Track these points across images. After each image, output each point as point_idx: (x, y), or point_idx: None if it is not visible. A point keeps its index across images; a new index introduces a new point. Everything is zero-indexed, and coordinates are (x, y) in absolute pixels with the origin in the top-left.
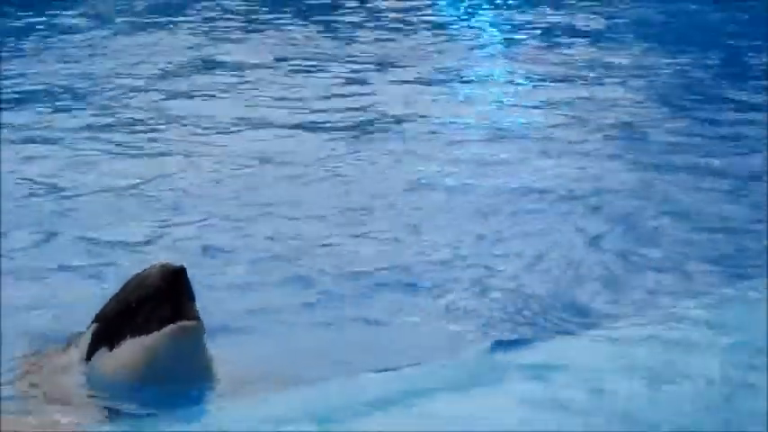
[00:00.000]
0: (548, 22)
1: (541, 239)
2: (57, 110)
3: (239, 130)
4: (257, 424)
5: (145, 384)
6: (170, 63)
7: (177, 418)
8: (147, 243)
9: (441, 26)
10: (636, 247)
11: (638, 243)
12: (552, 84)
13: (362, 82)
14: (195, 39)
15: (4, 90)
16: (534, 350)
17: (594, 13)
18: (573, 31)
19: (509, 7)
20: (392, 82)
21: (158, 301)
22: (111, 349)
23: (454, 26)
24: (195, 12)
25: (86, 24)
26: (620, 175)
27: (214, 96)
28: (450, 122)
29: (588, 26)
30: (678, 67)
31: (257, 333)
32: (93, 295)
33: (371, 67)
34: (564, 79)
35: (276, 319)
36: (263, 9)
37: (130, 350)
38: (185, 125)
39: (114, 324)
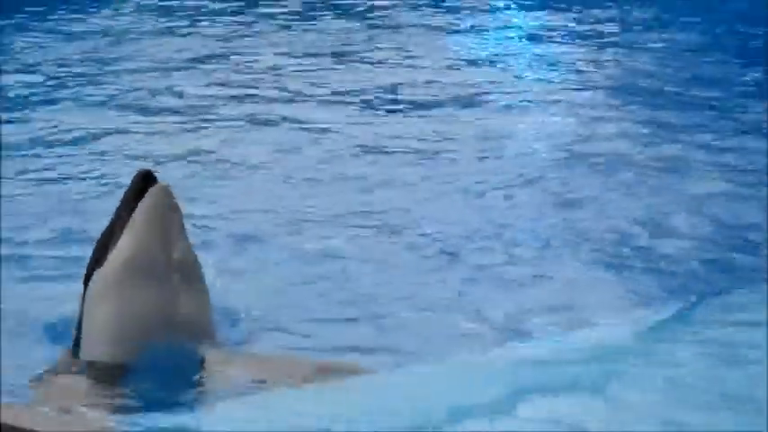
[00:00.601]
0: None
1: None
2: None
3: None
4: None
5: (141, 278)
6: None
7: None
8: None
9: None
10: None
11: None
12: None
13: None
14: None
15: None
16: None
17: None
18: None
19: None
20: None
21: (130, 203)
22: (100, 266)
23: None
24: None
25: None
26: None
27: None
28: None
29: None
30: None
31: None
32: None
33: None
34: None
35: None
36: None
37: (115, 253)
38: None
39: (100, 248)
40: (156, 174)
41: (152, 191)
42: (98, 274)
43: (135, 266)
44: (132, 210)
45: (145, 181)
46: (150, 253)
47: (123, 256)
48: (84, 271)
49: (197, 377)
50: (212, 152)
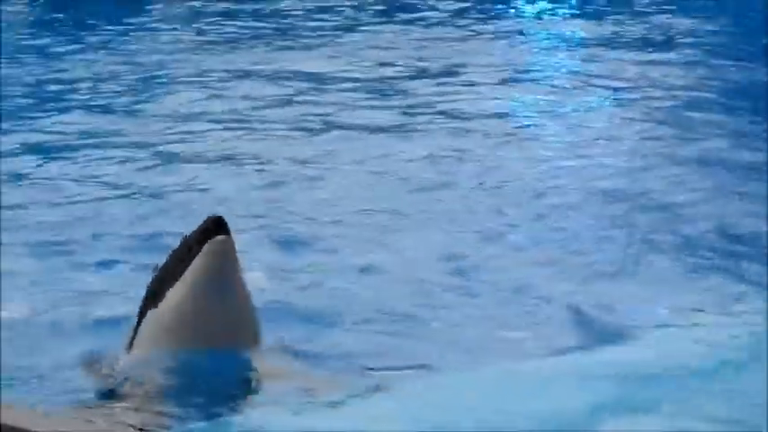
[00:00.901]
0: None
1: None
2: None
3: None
4: None
5: (192, 327)
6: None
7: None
8: None
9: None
10: None
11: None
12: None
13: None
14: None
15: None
16: None
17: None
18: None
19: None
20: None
21: (193, 250)
22: (156, 305)
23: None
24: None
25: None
26: None
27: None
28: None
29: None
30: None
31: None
32: None
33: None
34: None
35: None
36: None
37: (170, 297)
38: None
39: (157, 284)
40: (225, 221)
41: (213, 243)
42: (152, 314)
43: (186, 317)
44: (194, 255)
45: (214, 227)
46: (203, 306)
47: (176, 305)
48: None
49: (242, 390)
50: (259, 157)
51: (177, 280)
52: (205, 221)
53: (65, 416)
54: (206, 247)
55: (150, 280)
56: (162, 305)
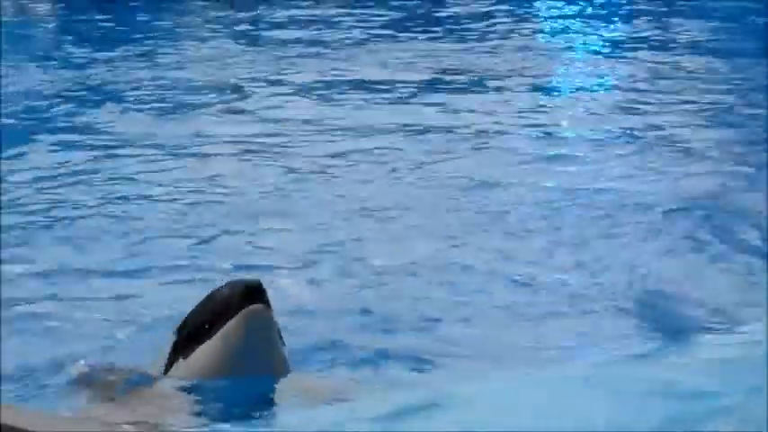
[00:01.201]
0: None
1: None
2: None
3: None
4: None
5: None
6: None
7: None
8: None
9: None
10: None
11: None
12: None
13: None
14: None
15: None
16: None
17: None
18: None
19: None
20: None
21: (229, 312)
22: (185, 358)
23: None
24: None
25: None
26: None
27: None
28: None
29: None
30: None
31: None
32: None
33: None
34: None
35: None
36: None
37: (201, 353)
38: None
39: (189, 337)
40: (263, 288)
41: (249, 312)
42: (182, 365)
43: (215, 376)
44: (229, 317)
45: (252, 293)
46: (234, 369)
47: (206, 364)
48: None
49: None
50: (291, 159)
51: (209, 338)
52: (243, 285)
53: (65, 416)
54: (241, 315)
55: (179, 327)
56: (191, 359)
